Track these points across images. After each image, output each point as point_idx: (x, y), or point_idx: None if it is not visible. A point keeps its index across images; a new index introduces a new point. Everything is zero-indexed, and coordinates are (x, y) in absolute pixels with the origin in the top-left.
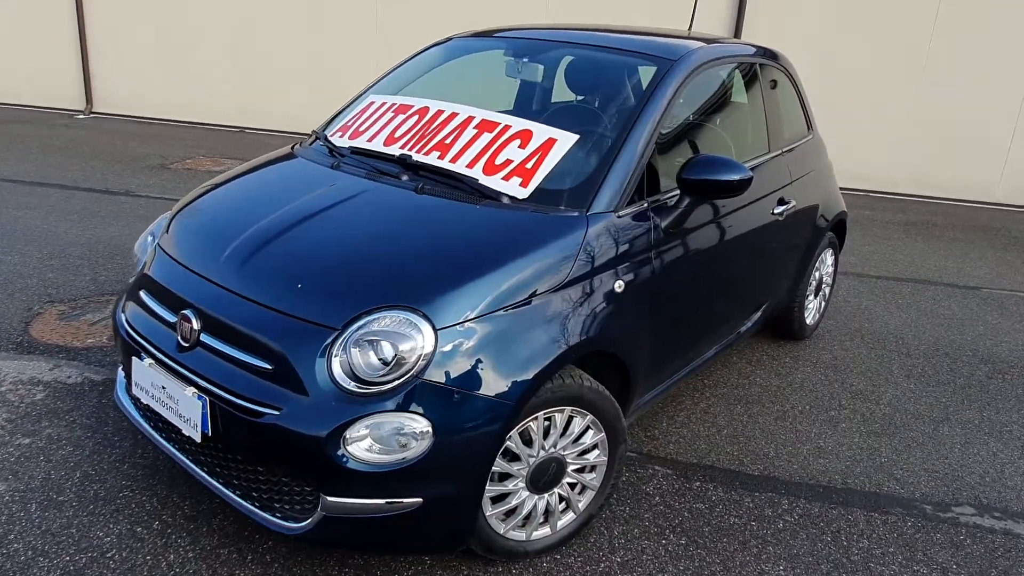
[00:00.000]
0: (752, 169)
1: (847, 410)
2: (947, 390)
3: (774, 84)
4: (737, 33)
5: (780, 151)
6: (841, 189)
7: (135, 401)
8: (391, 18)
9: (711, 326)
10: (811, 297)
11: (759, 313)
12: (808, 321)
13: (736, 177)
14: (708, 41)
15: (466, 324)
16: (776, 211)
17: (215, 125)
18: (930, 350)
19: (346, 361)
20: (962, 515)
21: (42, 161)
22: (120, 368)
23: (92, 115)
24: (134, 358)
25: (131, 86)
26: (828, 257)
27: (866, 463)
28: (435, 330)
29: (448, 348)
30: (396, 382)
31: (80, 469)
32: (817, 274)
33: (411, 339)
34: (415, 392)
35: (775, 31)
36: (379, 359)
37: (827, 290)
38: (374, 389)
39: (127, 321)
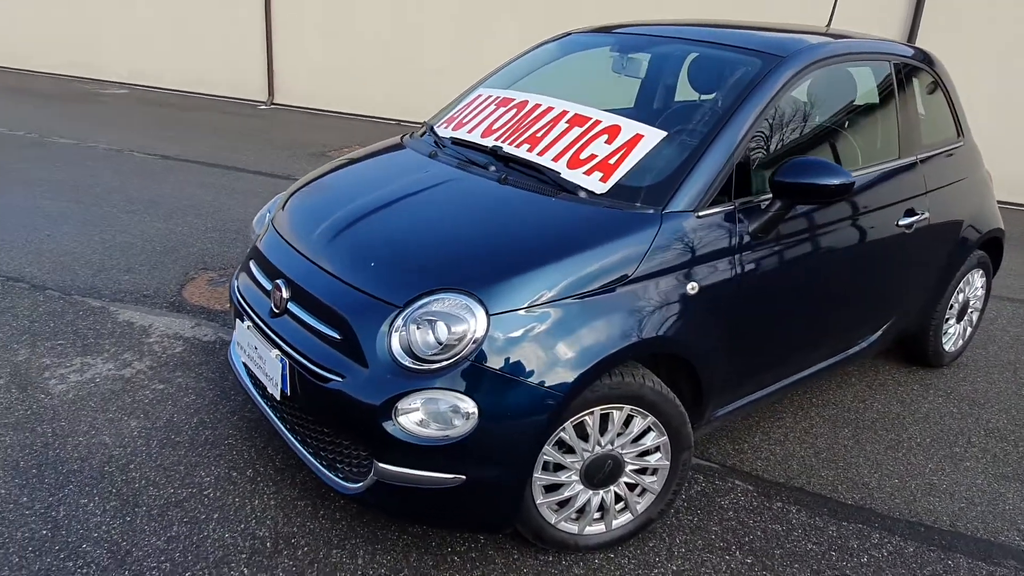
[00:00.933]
0: (874, 176)
1: (976, 448)
2: None
3: (914, 85)
4: (913, 33)
5: (914, 158)
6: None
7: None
8: (538, 22)
9: (810, 342)
10: (952, 321)
11: (878, 333)
12: (947, 348)
13: (834, 182)
14: (836, 37)
15: (521, 312)
16: (903, 222)
17: (374, 117)
18: None
19: (404, 337)
20: None
21: (223, 145)
22: (234, 329)
23: (273, 106)
24: (238, 320)
25: (307, 81)
26: (977, 278)
27: (984, 507)
28: (488, 315)
29: (500, 334)
30: (447, 362)
31: (198, 416)
32: (961, 296)
33: (464, 322)
34: (464, 373)
35: (955, 30)
36: (435, 338)
37: (974, 315)
38: (427, 366)
39: (238, 288)
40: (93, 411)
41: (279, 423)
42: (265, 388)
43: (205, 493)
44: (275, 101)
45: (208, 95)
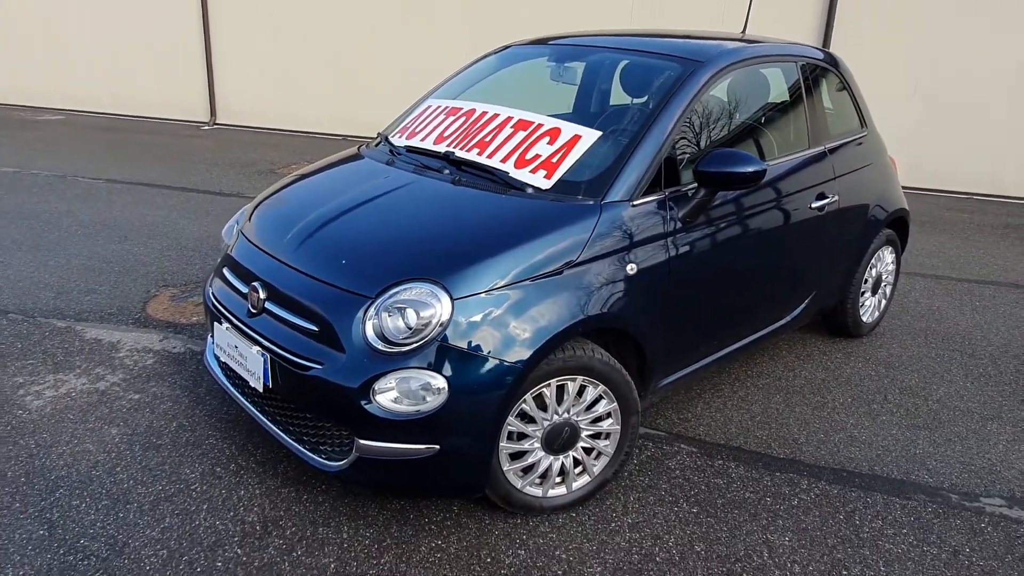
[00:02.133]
0: (787, 164)
1: (891, 404)
2: (1006, 390)
3: (821, 83)
4: (827, 39)
5: (822, 148)
6: (941, 191)
7: (218, 360)
8: (486, 39)
9: (740, 315)
10: (868, 294)
11: (802, 307)
12: (865, 319)
13: (748, 169)
14: (750, 42)
15: (481, 295)
16: (815, 205)
17: (320, 134)
18: (998, 352)
19: (377, 325)
20: (989, 505)
21: (169, 166)
22: (209, 335)
23: (215, 126)
24: (215, 323)
25: (249, 100)
26: (887, 255)
27: (898, 453)
28: (452, 300)
29: (464, 316)
30: (417, 343)
31: (176, 420)
32: (874, 271)
33: (431, 307)
34: (433, 353)
35: (868, 35)
36: (405, 323)
37: (888, 289)
38: (399, 349)
39: (213, 294)
40: (73, 423)
41: (261, 416)
42: (246, 384)
43: (192, 488)
44: (217, 121)
45: (147, 118)
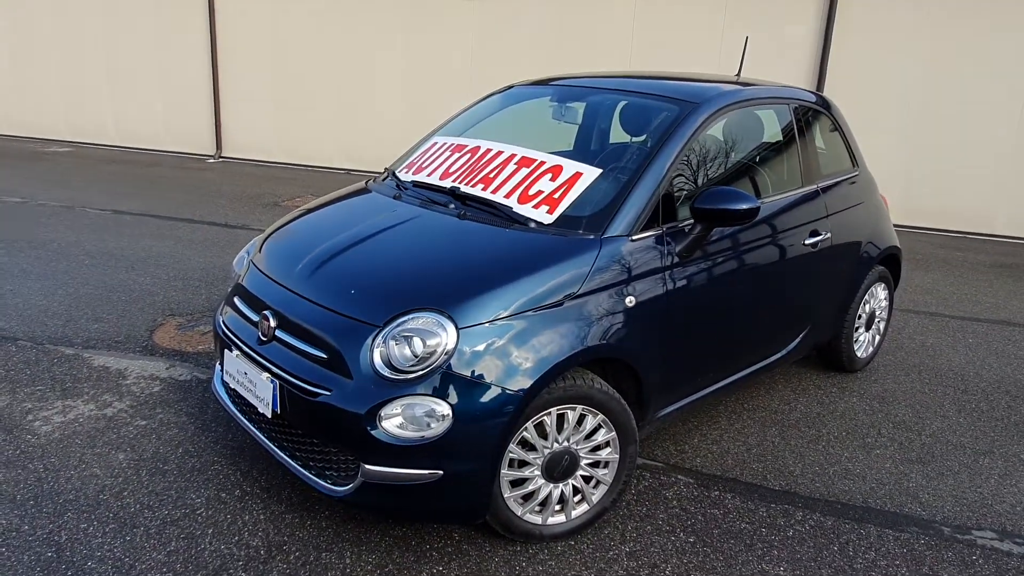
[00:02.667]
0: (781, 202)
1: (885, 438)
2: (998, 425)
3: (813, 124)
4: (820, 81)
5: (815, 187)
6: (935, 230)
7: (226, 388)
8: (486, 76)
9: (736, 348)
10: (862, 330)
11: (797, 341)
12: (859, 354)
13: (743, 206)
14: (745, 84)
15: (485, 325)
16: (808, 242)
17: (324, 168)
18: (990, 388)
19: (385, 352)
20: (981, 538)
21: (176, 199)
22: (217, 363)
23: (221, 159)
24: (225, 351)
25: (254, 134)
26: (880, 291)
27: (892, 486)
28: (457, 329)
29: (468, 345)
30: (423, 371)
31: (183, 446)
32: (867, 307)
33: (437, 336)
34: (439, 380)
35: (860, 76)
36: (411, 351)
37: (881, 324)
38: (405, 376)
39: (223, 322)
40: (81, 447)
41: (268, 442)
42: (254, 410)
43: (198, 512)
44: (223, 154)
45: (154, 150)
